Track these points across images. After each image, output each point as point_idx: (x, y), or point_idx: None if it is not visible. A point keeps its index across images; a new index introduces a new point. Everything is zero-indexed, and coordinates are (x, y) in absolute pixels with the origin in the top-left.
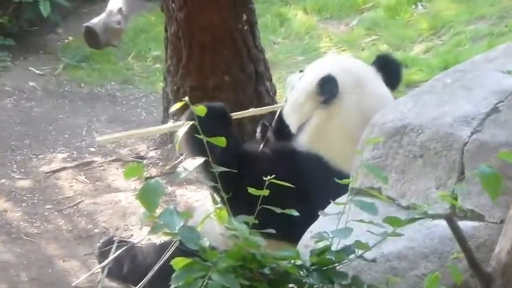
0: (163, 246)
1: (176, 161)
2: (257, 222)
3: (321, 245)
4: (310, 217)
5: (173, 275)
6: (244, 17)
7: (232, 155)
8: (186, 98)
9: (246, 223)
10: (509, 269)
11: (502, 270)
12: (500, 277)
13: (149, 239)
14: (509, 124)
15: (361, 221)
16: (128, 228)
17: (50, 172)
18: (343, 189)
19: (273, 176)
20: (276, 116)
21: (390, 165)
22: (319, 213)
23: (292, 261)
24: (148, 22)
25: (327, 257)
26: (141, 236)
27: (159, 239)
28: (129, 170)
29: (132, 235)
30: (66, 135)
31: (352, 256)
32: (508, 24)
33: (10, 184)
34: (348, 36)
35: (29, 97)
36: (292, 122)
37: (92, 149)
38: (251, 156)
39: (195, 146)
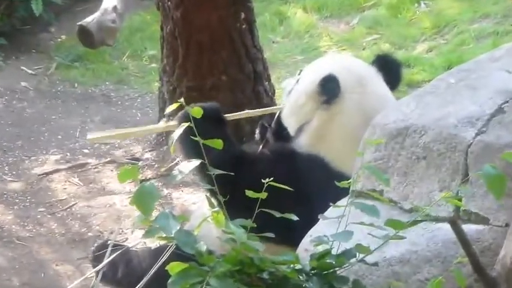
0: (159, 251)
1: (172, 163)
2: (255, 225)
3: (320, 248)
4: (310, 220)
5: (169, 280)
6: (243, 15)
7: (228, 156)
8: (182, 100)
9: (244, 227)
10: None
11: (507, 275)
12: (505, 282)
13: (144, 243)
14: None
15: (362, 223)
16: (122, 231)
17: (43, 174)
18: (344, 192)
19: (272, 178)
20: (275, 116)
21: (392, 167)
22: (318, 217)
23: (292, 265)
24: (144, 21)
25: (327, 261)
26: (136, 240)
27: (154, 243)
28: (124, 172)
29: (126, 239)
30: (59, 137)
31: (353, 260)
32: None
33: (1, 186)
34: (349, 35)
35: (21, 97)
36: (291, 124)
37: (86, 151)
38: (249, 158)
39: (190, 147)
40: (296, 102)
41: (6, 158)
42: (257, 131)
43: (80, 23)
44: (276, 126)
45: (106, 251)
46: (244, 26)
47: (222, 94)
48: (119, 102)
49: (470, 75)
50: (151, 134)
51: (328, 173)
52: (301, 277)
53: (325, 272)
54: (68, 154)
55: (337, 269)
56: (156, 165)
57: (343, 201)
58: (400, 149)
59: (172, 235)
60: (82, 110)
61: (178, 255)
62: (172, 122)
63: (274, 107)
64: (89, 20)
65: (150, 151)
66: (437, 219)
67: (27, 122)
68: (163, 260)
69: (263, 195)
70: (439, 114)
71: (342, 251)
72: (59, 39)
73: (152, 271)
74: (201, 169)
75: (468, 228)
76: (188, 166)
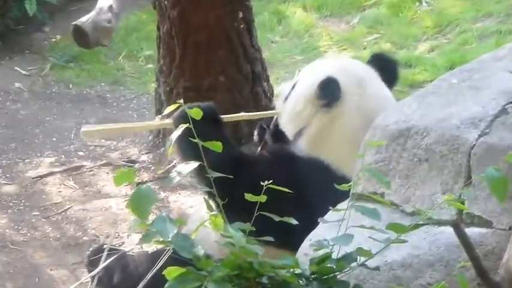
0: (156, 255)
1: (169, 166)
2: (254, 229)
3: (321, 252)
4: (310, 224)
5: (166, 285)
6: (241, 14)
7: (226, 158)
8: (181, 100)
9: (243, 230)
10: None
11: (511, 280)
12: (509, 286)
13: (141, 247)
14: None
15: (363, 227)
16: (118, 235)
17: (37, 177)
18: (345, 195)
19: (271, 181)
20: (274, 118)
21: (394, 170)
22: (318, 220)
23: (291, 270)
24: (140, 20)
25: (328, 265)
26: (133, 244)
27: (151, 247)
28: (120, 175)
29: (123, 243)
30: (54, 139)
31: (353, 264)
32: None
33: None
34: (349, 34)
35: (14, 99)
36: (289, 129)
37: (81, 153)
38: (247, 160)
39: (188, 149)
40: (294, 108)
41: (0, 160)
42: (255, 132)
43: (74, 22)
44: (274, 128)
45: (102, 256)
46: (242, 26)
47: (220, 95)
48: (115, 104)
49: (473, 76)
50: (146, 130)
51: (328, 176)
52: (301, 282)
53: (326, 276)
54: (63, 156)
55: (337, 273)
56: (152, 168)
57: (344, 204)
58: (402, 151)
59: (170, 239)
60: (77, 112)
61: (176, 259)
62: (168, 120)
63: (272, 111)
64: (84, 19)
65: (146, 153)
66: (440, 223)
67: (21, 123)
68: (160, 264)
69: (262, 198)
70: (441, 115)
71: (343, 255)
72: (54, 40)
73: (149, 276)
74: (199, 171)
75: (471, 231)
76: (187, 168)
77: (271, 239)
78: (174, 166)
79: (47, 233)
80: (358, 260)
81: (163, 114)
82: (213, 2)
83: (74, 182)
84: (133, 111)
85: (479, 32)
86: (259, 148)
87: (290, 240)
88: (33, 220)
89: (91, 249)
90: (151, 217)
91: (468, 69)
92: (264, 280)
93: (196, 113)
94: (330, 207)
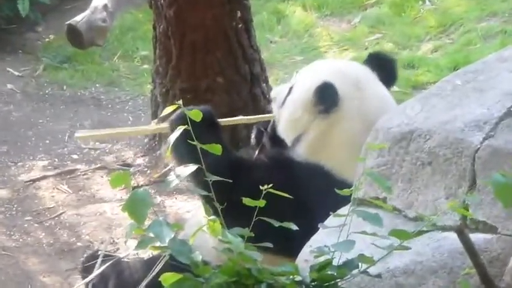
0: (152, 261)
1: (165, 169)
2: (253, 235)
3: (321, 259)
4: (310, 230)
5: None
6: (239, 14)
7: (224, 162)
8: (180, 102)
9: (241, 236)
10: None
11: None
12: None
13: (136, 253)
14: None
15: (364, 233)
16: (113, 241)
17: (30, 181)
18: (346, 200)
19: (270, 185)
20: (271, 121)
21: (396, 174)
22: (319, 226)
23: (291, 276)
24: (136, 20)
25: (328, 272)
26: (128, 250)
27: (147, 253)
28: (116, 178)
29: (118, 249)
30: (47, 141)
31: (355, 271)
32: None
33: None
34: (350, 34)
35: (7, 100)
36: (287, 136)
37: (75, 156)
38: (245, 165)
39: (185, 152)
40: (291, 115)
41: None
42: (252, 135)
43: (68, 22)
44: (272, 131)
45: (96, 262)
46: (240, 25)
47: (218, 96)
48: (110, 106)
49: (477, 77)
50: (141, 135)
51: (329, 181)
52: None
53: (326, 283)
54: (56, 160)
55: (338, 280)
56: (148, 172)
57: (345, 210)
58: (404, 154)
59: (166, 244)
60: (71, 114)
61: (172, 265)
62: (164, 124)
63: (270, 115)
64: (78, 19)
65: (142, 156)
66: (444, 228)
67: (13, 126)
68: (156, 270)
69: (261, 203)
70: (445, 117)
71: (344, 261)
72: (47, 39)
73: (145, 283)
74: (196, 175)
75: (475, 237)
76: (184, 171)
77: (270, 245)
78: (170, 170)
79: (39, 238)
80: (360, 267)
81: (159, 118)
82: (211, 1)
83: (67, 186)
84: (128, 113)
85: (483, 32)
86: (256, 152)
87: (289, 246)
88: (26, 225)
89: (85, 255)
90: (147, 222)
91: (472, 70)
92: (263, 287)
93: (195, 114)
94: (331, 213)
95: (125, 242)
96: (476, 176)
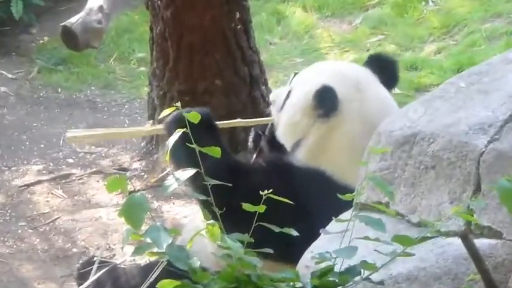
0: (149, 267)
1: (162, 173)
2: (252, 240)
3: (322, 265)
4: (311, 236)
5: None
6: (238, 15)
7: (222, 167)
8: (178, 104)
9: (241, 241)
10: None
11: None
12: None
13: (133, 260)
14: None
15: (367, 238)
16: (109, 247)
17: (24, 186)
18: (348, 205)
19: (270, 191)
20: (269, 124)
21: (399, 178)
22: (320, 231)
23: (292, 283)
24: (132, 21)
25: (330, 279)
26: (124, 256)
27: (144, 259)
28: (112, 182)
29: (114, 255)
30: (42, 145)
31: (357, 278)
32: None
33: None
34: (352, 35)
35: (0, 103)
36: (287, 141)
37: (70, 161)
38: (244, 170)
39: (183, 155)
40: (290, 119)
41: None
42: (250, 139)
43: (63, 23)
44: (270, 134)
45: (92, 268)
46: (239, 27)
47: (216, 99)
48: (106, 109)
49: (481, 79)
50: (135, 136)
51: (330, 186)
52: None
53: None
54: (51, 164)
55: (340, 287)
56: (145, 176)
57: (347, 215)
58: (407, 158)
59: (164, 250)
60: (66, 117)
61: (170, 272)
62: (159, 126)
63: (269, 118)
64: (73, 20)
65: (138, 160)
66: (448, 234)
67: (7, 129)
68: (153, 277)
69: (261, 208)
70: (448, 120)
71: (346, 268)
72: (41, 41)
73: None
74: (194, 179)
75: (480, 242)
76: (183, 175)
77: (270, 251)
78: (167, 174)
79: (34, 244)
80: (362, 273)
81: (155, 120)
82: (209, 1)
83: (62, 190)
84: (125, 117)
85: (488, 33)
86: (254, 155)
87: (290, 252)
88: (20, 231)
89: (81, 261)
90: (144, 227)
91: (477, 72)
92: None
93: (193, 116)
94: (333, 218)
95: (121, 248)
96: (481, 180)
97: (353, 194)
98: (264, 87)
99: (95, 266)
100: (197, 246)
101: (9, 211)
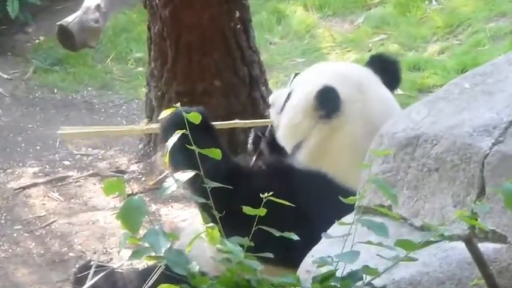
0: (147, 272)
1: (160, 176)
2: (252, 244)
3: (324, 270)
4: (311, 239)
5: None
6: (237, 14)
7: (221, 169)
8: (178, 104)
9: (241, 245)
10: None
11: None
12: None
13: (131, 264)
14: None
15: (370, 243)
16: (106, 251)
17: (19, 188)
18: (350, 209)
19: (270, 194)
20: (269, 126)
21: (402, 181)
22: (322, 235)
23: None
24: (130, 20)
25: (331, 283)
26: (122, 260)
27: (141, 263)
28: (109, 185)
29: (111, 259)
30: (38, 147)
31: (359, 283)
32: None
33: None
34: (353, 35)
35: None
36: (287, 143)
37: (67, 163)
38: (244, 173)
39: (181, 157)
40: (291, 121)
41: None
42: (250, 140)
43: (59, 22)
44: (270, 136)
45: (88, 273)
46: (238, 26)
47: (215, 100)
48: (103, 110)
49: (486, 79)
50: (129, 135)
51: (331, 189)
52: None
53: None
54: (47, 166)
55: None
56: (143, 179)
57: (349, 218)
58: (410, 161)
59: (162, 254)
60: (62, 118)
61: (168, 276)
62: (154, 125)
63: (268, 120)
64: (70, 19)
65: (136, 163)
66: (451, 238)
67: (2, 131)
68: (151, 282)
69: (261, 211)
70: (452, 122)
71: (348, 273)
72: (37, 41)
73: None
74: (193, 182)
75: (484, 247)
76: (182, 177)
77: (270, 255)
78: (165, 176)
79: (29, 248)
80: (364, 278)
81: (154, 121)
82: (208, 0)
83: (58, 193)
84: (122, 118)
85: (492, 33)
86: (254, 157)
87: (290, 256)
88: (15, 235)
89: (77, 266)
90: (142, 232)
91: (481, 73)
92: None
93: (194, 117)
94: (336, 221)
95: (119, 252)
96: (485, 183)
97: (355, 197)
98: (264, 88)
99: (91, 271)
100: (196, 250)
101: (4, 214)
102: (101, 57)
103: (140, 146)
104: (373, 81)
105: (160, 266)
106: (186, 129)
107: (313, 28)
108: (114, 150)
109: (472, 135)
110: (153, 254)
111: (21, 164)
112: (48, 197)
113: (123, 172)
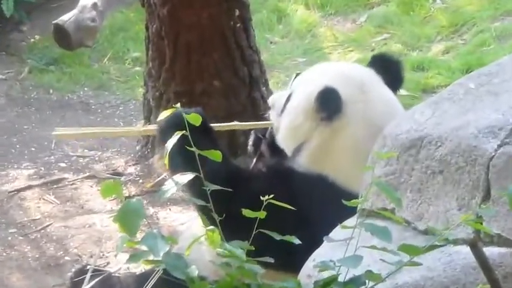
0: (145, 276)
1: (158, 178)
2: (253, 248)
3: (326, 275)
4: (313, 244)
5: None
6: (237, 12)
7: (221, 171)
8: (178, 105)
9: (241, 249)
10: None
11: None
12: None
13: (128, 268)
14: None
15: (373, 247)
16: (103, 255)
17: (14, 191)
18: (352, 212)
19: (271, 197)
20: (270, 128)
21: (405, 183)
22: (323, 239)
23: None
24: (127, 19)
25: None
26: (119, 265)
27: (139, 267)
28: (106, 187)
29: (108, 263)
30: (33, 149)
31: None
32: None
33: None
34: (356, 34)
35: None
36: (287, 145)
37: (62, 165)
38: (244, 175)
39: (178, 160)
40: (292, 123)
41: None
42: (250, 142)
43: (55, 21)
44: (270, 137)
45: (85, 277)
46: (238, 25)
47: (214, 100)
48: (99, 110)
49: (491, 80)
50: (125, 136)
51: (333, 192)
52: None
53: None
54: (42, 168)
55: None
56: (140, 181)
57: (351, 222)
58: (414, 163)
59: (160, 258)
60: (58, 119)
61: (166, 281)
62: (152, 126)
63: (268, 122)
64: (66, 18)
65: (133, 165)
66: (456, 242)
67: None
68: (149, 286)
69: (261, 214)
70: (457, 123)
71: (350, 278)
72: (32, 40)
73: None
74: (192, 184)
75: (490, 251)
76: (182, 179)
77: (271, 259)
78: (164, 179)
79: (24, 252)
80: (367, 283)
81: (150, 121)
82: None
83: (54, 196)
84: (119, 119)
85: (498, 32)
86: (254, 160)
87: (291, 261)
88: (10, 238)
89: (73, 270)
90: (140, 235)
91: (486, 73)
92: None
93: (193, 118)
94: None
95: (116, 256)
96: (490, 185)
97: (357, 200)
98: (264, 88)
99: (88, 275)
100: (195, 254)
101: None
102: (98, 57)
103: (138, 148)
104: (376, 82)
105: (158, 270)
106: (186, 131)
107: (314, 27)
108: (111, 152)
109: (477, 136)
110: (151, 257)
111: (15, 166)
112: (44, 199)
113: (120, 174)
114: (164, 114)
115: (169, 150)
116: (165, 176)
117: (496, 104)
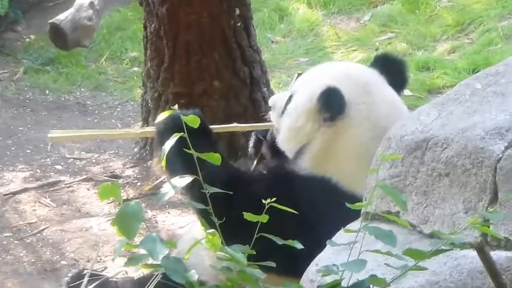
0: (143, 281)
1: (157, 181)
2: (254, 253)
3: (329, 279)
4: (316, 248)
5: None
6: (237, 11)
7: (221, 175)
8: (176, 106)
9: (242, 253)
10: None
11: None
12: None
13: (125, 273)
14: None
15: (378, 251)
16: (100, 259)
17: (9, 194)
18: (356, 215)
19: (272, 200)
20: (271, 129)
21: (410, 186)
22: (326, 243)
23: None
24: (125, 18)
25: None
26: (117, 269)
27: (137, 272)
28: (104, 190)
29: (105, 268)
30: (28, 151)
31: None
32: None
33: None
34: (359, 33)
35: None
36: (289, 147)
37: (59, 167)
38: (244, 178)
39: (177, 162)
40: (293, 124)
41: None
42: (250, 144)
43: (51, 20)
44: (271, 139)
45: (82, 282)
46: (239, 24)
47: (214, 102)
48: (96, 112)
49: (498, 80)
50: (123, 138)
51: (336, 194)
52: None
53: None
54: (38, 171)
55: None
56: (138, 183)
57: (355, 225)
58: (419, 165)
59: (159, 262)
60: (54, 121)
61: (165, 285)
62: (150, 128)
63: (268, 124)
64: (62, 17)
65: (131, 167)
66: (462, 246)
67: None
68: None
69: (263, 218)
70: (463, 124)
71: (354, 282)
72: (28, 40)
73: None
74: (192, 187)
75: (497, 255)
76: (181, 182)
77: (272, 264)
78: (162, 182)
79: (20, 256)
80: None
81: (149, 123)
82: None
83: (50, 199)
84: (117, 120)
85: (505, 32)
86: (255, 162)
87: (293, 265)
88: (5, 242)
89: (70, 274)
90: (137, 239)
91: (493, 73)
92: None
93: (192, 120)
94: (342, 227)
95: (113, 260)
96: (497, 188)
97: (361, 203)
98: (265, 89)
99: (85, 280)
100: (194, 258)
101: None
102: (95, 57)
103: (136, 150)
104: (379, 83)
105: (157, 275)
106: (184, 133)
107: (317, 26)
108: (109, 154)
109: (484, 138)
110: (149, 261)
111: (11, 169)
112: (40, 202)
113: (117, 177)
114: (162, 116)
115: (166, 153)
116: (164, 179)
117: (503, 105)
